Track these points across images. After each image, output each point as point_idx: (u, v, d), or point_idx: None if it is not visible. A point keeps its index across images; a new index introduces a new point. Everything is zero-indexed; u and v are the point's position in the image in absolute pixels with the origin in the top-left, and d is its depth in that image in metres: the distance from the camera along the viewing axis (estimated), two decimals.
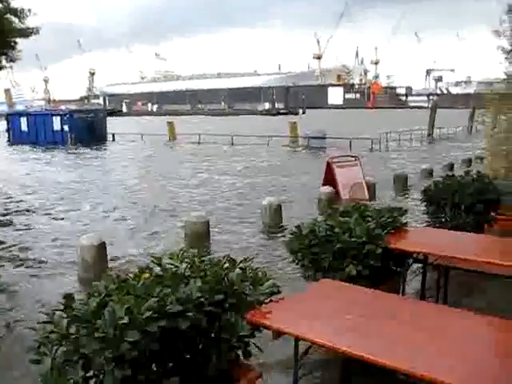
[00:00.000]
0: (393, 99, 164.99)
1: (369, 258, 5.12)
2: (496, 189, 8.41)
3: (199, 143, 34.25)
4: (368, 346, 3.41)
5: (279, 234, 10.09)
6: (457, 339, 3.49)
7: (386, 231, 5.43)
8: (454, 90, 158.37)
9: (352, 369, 4.49)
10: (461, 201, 7.94)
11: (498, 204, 8.57)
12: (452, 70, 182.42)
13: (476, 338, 3.54)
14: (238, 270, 4.25)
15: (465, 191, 8.01)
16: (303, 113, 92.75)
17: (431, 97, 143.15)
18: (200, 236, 9.60)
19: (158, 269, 3.85)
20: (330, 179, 13.01)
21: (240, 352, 3.84)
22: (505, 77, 10.39)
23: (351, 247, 5.14)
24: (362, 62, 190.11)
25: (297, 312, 3.89)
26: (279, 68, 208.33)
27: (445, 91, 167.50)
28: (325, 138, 29.70)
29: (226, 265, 4.30)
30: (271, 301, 4.01)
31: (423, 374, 3.10)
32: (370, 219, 5.54)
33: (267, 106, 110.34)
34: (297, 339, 3.71)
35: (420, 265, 6.05)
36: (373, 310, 3.97)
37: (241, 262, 4.46)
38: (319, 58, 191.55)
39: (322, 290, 4.41)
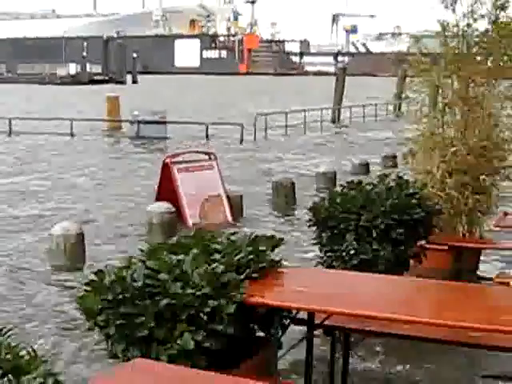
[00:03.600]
0: (279, 60, 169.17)
1: (215, 320, 5.12)
2: (426, 203, 8.80)
3: None
4: None
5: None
6: None
7: (244, 276, 5.46)
8: (376, 47, 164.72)
9: None
10: (371, 223, 8.21)
11: (431, 228, 8.99)
12: (372, 17, 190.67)
13: None
14: None
15: (377, 208, 8.30)
16: (134, 81, 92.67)
17: (340, 57, 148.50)
18: None
19: None
20: (168, 190, 13.03)
21: None
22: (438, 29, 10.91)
23: (186, 304, 5.11)
24: (229, 1, 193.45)
25: None
26: (94, 7, 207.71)
27: (361, 48, 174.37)
28: (164, 122, 29.75)
29: None
30: None
31: None
32: (218, 257, 5.55)
33: (74, 68, 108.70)
34: None
35: (304, 328, 6.16)
36: None
37: None
38: None
39: (131, 378, 4.35)
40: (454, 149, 10.44)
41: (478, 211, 10.49)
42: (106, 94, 36.71)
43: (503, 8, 11.41)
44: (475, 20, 10.79)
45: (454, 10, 10.68)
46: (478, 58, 10.95)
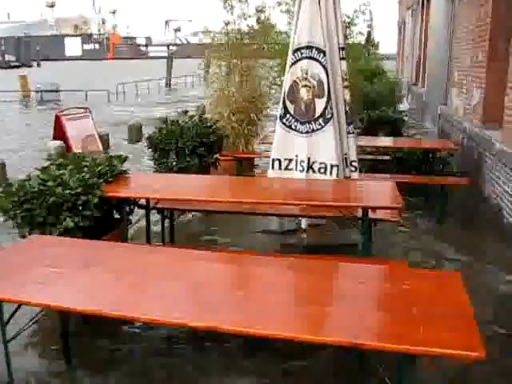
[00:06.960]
0: (133, 50, 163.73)
1: (85, 209, 5.00)
2: (217, 132, 8.85)
3: None
4: (74, 296, 3.36)
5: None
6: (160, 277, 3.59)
7: (102, 180, 5.34)
8: (193, 40, 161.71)
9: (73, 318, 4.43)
10: (185, 145, 8.20)
11: (222, 146, 9.08)
12: (190, 21, 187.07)
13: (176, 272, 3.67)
14: None
15: (188, 135, 8.29)
16: (38, 65, 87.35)
17: (170, 47, 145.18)
18: None
19: None
20: (60, 133, 12.44)
21: None
22: (223, 25, 10.81)
23: (66, 200, 4.96)
24: (99, 11, 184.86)
25: None
26: (8, 17, 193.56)
27: (184, 41, 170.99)
28: (58, 91, 28.33)
29: None
30: None
31: (127, 316, 3.16)
32: (86, 170, 5.39)
33: None
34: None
35: (143, 210, 6.10)
36: (85, 260, 3.90)
37: None
38: (52, 6, 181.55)
39: (28, 246, 4.20)
40: (234, 98, 10.51)
41: (250, 135, 10.65)
42: (19, 74, 34.34)
43: (262, 11, 11.44)
44: (245, 19, 10.76)
45: (232, 13, 10.59)
46: (248, 43, 10.94)
